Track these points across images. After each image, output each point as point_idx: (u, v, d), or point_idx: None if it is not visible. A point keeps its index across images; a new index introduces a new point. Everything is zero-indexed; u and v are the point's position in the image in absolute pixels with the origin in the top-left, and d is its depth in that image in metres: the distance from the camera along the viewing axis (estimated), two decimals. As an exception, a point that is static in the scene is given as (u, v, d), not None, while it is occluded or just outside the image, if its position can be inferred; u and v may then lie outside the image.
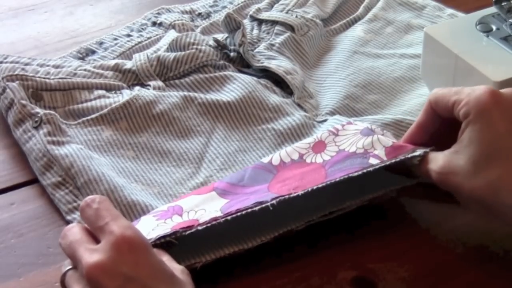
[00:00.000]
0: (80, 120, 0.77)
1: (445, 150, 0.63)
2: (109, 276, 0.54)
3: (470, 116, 0.60)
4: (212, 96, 0.80)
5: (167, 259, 0.59)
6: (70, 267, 0.58)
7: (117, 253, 0.55)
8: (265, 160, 0.69)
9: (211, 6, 0.96)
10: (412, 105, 0.81)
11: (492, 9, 0.79)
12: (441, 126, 0.66)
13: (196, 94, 0.80)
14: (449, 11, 0.93)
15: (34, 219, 0.70)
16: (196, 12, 0.95)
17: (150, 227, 0.63)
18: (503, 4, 0.78)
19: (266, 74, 0.83)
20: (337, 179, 0.64)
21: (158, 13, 0.93)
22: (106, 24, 0.96)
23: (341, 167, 0.66)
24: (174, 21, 0.91)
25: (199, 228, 0.62)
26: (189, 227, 0.62)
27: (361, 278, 0.63)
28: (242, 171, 0.68)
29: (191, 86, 0.81)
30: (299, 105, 0.80)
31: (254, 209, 0.63)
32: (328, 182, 0.64)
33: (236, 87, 0.80)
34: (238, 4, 0.95)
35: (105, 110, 0.77)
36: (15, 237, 0.68)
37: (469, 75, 0.74)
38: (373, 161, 0.66)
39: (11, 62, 0.80)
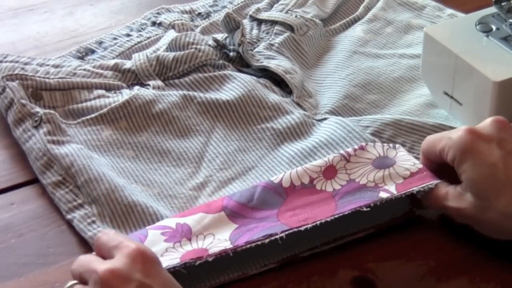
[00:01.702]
0: (79, 120, 0.77)
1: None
2: (123, 280, 0.54)
3: (457, 158, 0.63)
4: (212, 95, 0.80)
5: None
6: (74, 282, 0.58)
7: (132, 261, 0.55)
8: (276, 180, 0.68)
9: (210, 6, 0.96)
10: (412, 105, 0.81)
11: (492, 9, 0.79)
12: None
13: (195, 93, 0.80)
14: (449, 11, 0.93)
15: (34, 219, 0.70)
16: (196, 12, 0.95)
17: (159, 252, 0.62)
18: (503, 4, 0.78)
19: (265, 74, 0.83)
20: (345, 212, 0.65)
21: (158, 13, 0.93)
22: (106, 24, 0.96)
23: (350, 199, 0.66)
24: (174, 21, 0.91)
25: (209, 259, 0.62)
26: (199, 258, 0.62)
27: (361, 278, 0.63)
28: (252, 188, 0.68)
29: (191, 85, 0.81)
30: (298, 104, 0.80)
31: (264, 241, 0.63)
32: (337, 216, 0.65)
33: (236, 86, 0.80)
34: (238, 4, 0.95)
35: (105, 110, 0.77)
36: (15, 237, 0.68)
37: (469, 75, 0.74)
38: (383, 195, 0.66)
39: (11, 62, 0.80)
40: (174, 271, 0.61)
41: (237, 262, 0.64)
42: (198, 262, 0.61)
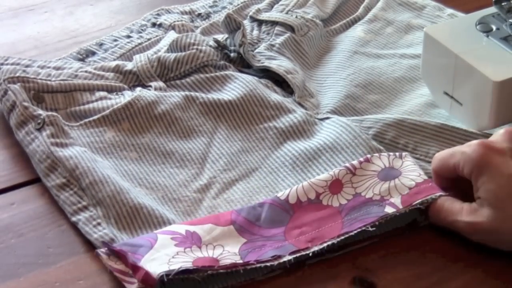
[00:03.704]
0: (82, 122, 0.77)
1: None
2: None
3: (474, 173, 0.64)
4: (214, 95, 0.80)
5: None
6: None
7: None
8: (282, 196, 0.68)
9: (210, 7, 0.96)
10: (413, 105, 0.81)
11: (492, 9, 0.79)
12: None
13: (197, 94, 0.80)
14: (449, 11, 0.93)
15: (34, 219, 0.70)
16: (196, 13, 0.95)
17: (170, 254, 0.62)
18: (503, 4, 0.78)
19: (267, 74, 0.83)
20: (352, 233, 0.65)
21: (158, 14, 0.93)
22: (106, 24, 0.96)
23: (357, 216, 0.66)
24: (174, 22, 0.91)
25: (220, 271, 0.62)
26: (210, 267, 0.62)
27: (361, 278, 0.63)
28: (258, 205, 0.68)
29: (192, 86, 0.81)
30: (300, 104, 0.80)
31: (273, 263, 0.63)
32: (343, 237, 0.65)
33: (237, 86, 0.80)
34: (238, 4, 0.94)
35: (107, 111, 0.77)
36: (15, 237, 0.68)
37: (469, 75, 0.74)
38: (388, 209, 0.66)
39: (12, 64, 0.80)
40: (184, 277, 0.61)
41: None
42: (210, 272, 0.61)
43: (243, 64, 0.85)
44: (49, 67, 0.81)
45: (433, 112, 0.80)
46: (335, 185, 0.69)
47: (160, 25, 0.91)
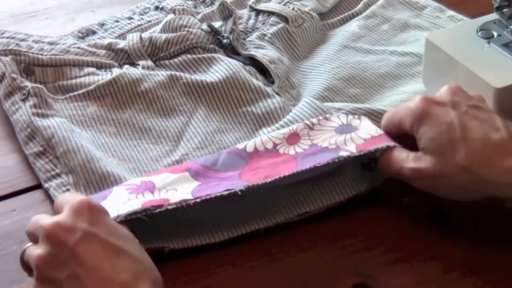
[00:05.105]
0: (67, 95, 0.79)
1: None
2: (68, 231, 0.56)
3: (415, 125, 0.66)
4: (198, 76, 0.81)
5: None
6: (28, 244, 0.60)
7: (76, 212, 0.57)
8: (240, 146, 0.70)
9: (215, -6, 0.96)
10: (392, 101, 0.81)
11: (494, 16, 0.79)
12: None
13: (182, 74, 0.81)
14: (450, 13, 0.93)
15: (36, 225, 0.69)
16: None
17: (121, 201, 0.64)
18: (504, 10, 0.78)
19: (253, 63, 0.84)
20: (305, 169, 0.66)
21: (163, -2, 0.94)
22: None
23: (311, 159, 0.68)
24: (175, 6, 0.91)
25: (169, 207, 0.63)
26: (159, 206, 0.63)
27: (361, 285, 0.64)
28: (216, 154, 0.70)
29: (180, 66, 0.83)
30: (278, 94, 0.80)
31: (223, 193, 0.65)
32: (296, 172, 0.66)
33: (221, 68, 0.81)
34: (241, -7, 0.95)
35: (92, 87, 0.79)
36: (16, 243, 0.68)
37: (470, 82, 0.74)
38: (343, 153, 0.68)
39: (7, 38, 0.82)
40: (136, 219, 0.62)
41: (202, 231, 0.66)
42: (158, 210, 0.63)
43: (233, 51, 0.86)
44: (43, 42, 0.83)
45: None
46: (293, 137, 0.71)
47: (162, 9, 0.92)
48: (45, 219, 0.57)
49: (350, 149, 0.68)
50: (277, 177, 0.66)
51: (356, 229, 0.69)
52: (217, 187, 0.65)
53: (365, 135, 0.69)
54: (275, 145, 0.70)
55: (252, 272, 0.65)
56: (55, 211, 0.61)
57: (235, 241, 0.67)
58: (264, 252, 0.66)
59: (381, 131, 0.70)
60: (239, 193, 0.65)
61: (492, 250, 0.66)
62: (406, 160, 0.66)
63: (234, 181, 0.66)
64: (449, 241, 0.67)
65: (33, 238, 0.59)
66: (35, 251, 0.57)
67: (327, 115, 0.72)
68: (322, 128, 0.71)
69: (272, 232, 0.68)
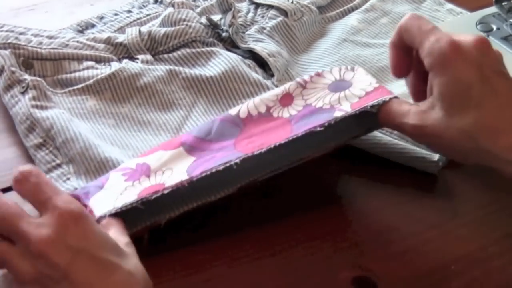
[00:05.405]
0: (66, 90, 0.79)
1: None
2: (58, 251, 0.53)
3: (434, 69, 0.63)
4: (197, 70, 0.81)
5: (114, 232, 0.60)
6: None
7: (63, 226, 0.54)
8: (233, 112, 0.70)
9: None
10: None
11: (493, 9, 0.79)
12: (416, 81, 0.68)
13: (181, 69, 0.81)
14: (449, 6, 0.93)
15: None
16: (200, -7, 0.95)
17: (118, 191, 0.64)
18: (503, 4, 0.78)
19: (253, 56, 0.84)
20: (299, 134, 0.66)
21: (162, -9, 0.94)
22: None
23: (306, 122, 0.67)
24: (174, -1, 0.92)
25: (165, 192, 0.63)
26: (155, 192, 0.63)
27: (362, 279, 0.64)
28: (210, 122, 0.70)
29: (179, 60, 0.83)
30: (277, 87, 0.80)
31: (219, 168, 0.64)
32: (291, 138, 0.66)
33: (220, 61, 0.81)
34: (241, -14, 0.95)
35: (91, 81, 0.79)
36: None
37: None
38: (338, 114, 0.67)
39: (7, 31, 0.82)
40: (132, 208, 0.62)
41: (196, 193, 0.66)
42: (154, 196, 0.63)
43: (233, 44, 0.86)
44: (42, 36, 0.83)
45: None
46: (286, 98, 0.70)
47: (161, 2, 0.93)
48: (30, 228, 0.54)
49: (344, 108, 0.67)
50: (271, 145, 0.65)
51: (356, 222, 0.69)
52: (213, 160, 0.65)
53: (359, 92, 0.68)
54: (268, 108, 0.69)
55: (251, 266, 0.65)
56: (22, 191, 0.57)
57: (234, 235, 0.67)
58: (263, 246, 0.66)
59: (376, 84, 0.69)
60: (235, 166, 0.64)
61: (491, 245, 0.66)
62: (408, 114, 0.65)
63: (229, 152, 0.66)
64: (449, 236, 0.67)
65: (9, 233, 0.55)
66: (23, 267, 0.54)
67: (319, 71, 0.72)
68: (315, 85, 0.70)
69: (271, 225, 0.68)
